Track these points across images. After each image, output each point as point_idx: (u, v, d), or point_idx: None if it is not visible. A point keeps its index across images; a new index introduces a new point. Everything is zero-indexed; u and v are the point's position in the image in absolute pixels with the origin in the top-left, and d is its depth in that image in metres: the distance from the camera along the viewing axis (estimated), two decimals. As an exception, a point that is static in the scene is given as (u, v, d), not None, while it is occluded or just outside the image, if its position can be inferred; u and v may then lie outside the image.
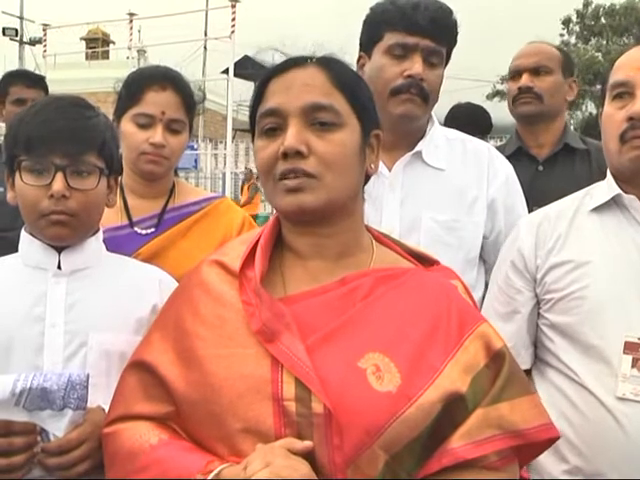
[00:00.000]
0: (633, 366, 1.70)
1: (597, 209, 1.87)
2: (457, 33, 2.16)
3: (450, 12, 2.13)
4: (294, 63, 1.43)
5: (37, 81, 3.85)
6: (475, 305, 1.52)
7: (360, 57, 2.15)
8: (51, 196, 1.62)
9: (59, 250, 1.72)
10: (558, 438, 1.38)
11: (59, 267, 1.71)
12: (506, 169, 2.30)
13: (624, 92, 1.80)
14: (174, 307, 1.50)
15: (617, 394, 1.70)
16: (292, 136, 1.35)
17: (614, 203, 1.86)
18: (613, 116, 1.81)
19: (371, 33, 2.15)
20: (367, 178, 1.49)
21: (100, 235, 1.81)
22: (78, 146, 1.65)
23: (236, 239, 1.62)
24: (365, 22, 2.19)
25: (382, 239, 1.52)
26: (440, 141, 2.25)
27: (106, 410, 1.60)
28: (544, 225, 1.92)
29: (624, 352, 1.72)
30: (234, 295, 1.40)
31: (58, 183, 1.62)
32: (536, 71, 2.89)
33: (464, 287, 1.51)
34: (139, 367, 1.46)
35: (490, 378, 1.34)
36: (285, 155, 1.36)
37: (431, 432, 1.29)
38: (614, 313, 1.75)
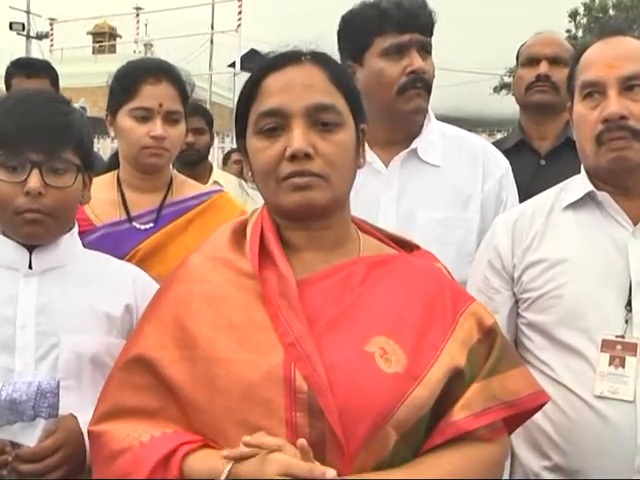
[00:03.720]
0: (610, 364, 1.69)
1: (573, 205, 1.85)
2: (436, 21, 2.21)
3: (425, 3, 2.18)
4: (289, 59, 1.42)
5: (40, 69, 3.60)
6: None
7: (348, 66, 2.14)
8: (27, 193, 1.58)
9: (30, 249, 1.67)
10: (547, 402, 1.45)
11: (30, 266, 1.67)
12: (502, 166, 2.29)
13: (595, 91, 1.77)
14: (169, 302, 1.45)
15: (595, 392, 1.69)
16: (300, 138, 1.35)
17: (589, 199, 1.83)
18: (586, 117, 1.78)
19: (358, 41, 2.17)
20: None
21: (75, 232, 1.77)
22: (55, 142, 1.60)
23: (216, 233, 1.57)
24: (345, 33, 2.20)
25: (364, 227, 1.54)
26: (435, 137, 2.26)
27: (77, 417, 1.58)
28: (520, 223, 1.90)
29: (601, 350, 1.71)
30: (242, 296, 1.39)
31: (34, 180, 1.57)
32: (555, 61, 2.83)
33: (446, 270, 1.54)
34: (132, 363, 1.42)
35: (484, 352, 1.40)
36: (293, 157, 1.35)
37: (434, 408, 1.35)
38: (591, 311, 1.74)
